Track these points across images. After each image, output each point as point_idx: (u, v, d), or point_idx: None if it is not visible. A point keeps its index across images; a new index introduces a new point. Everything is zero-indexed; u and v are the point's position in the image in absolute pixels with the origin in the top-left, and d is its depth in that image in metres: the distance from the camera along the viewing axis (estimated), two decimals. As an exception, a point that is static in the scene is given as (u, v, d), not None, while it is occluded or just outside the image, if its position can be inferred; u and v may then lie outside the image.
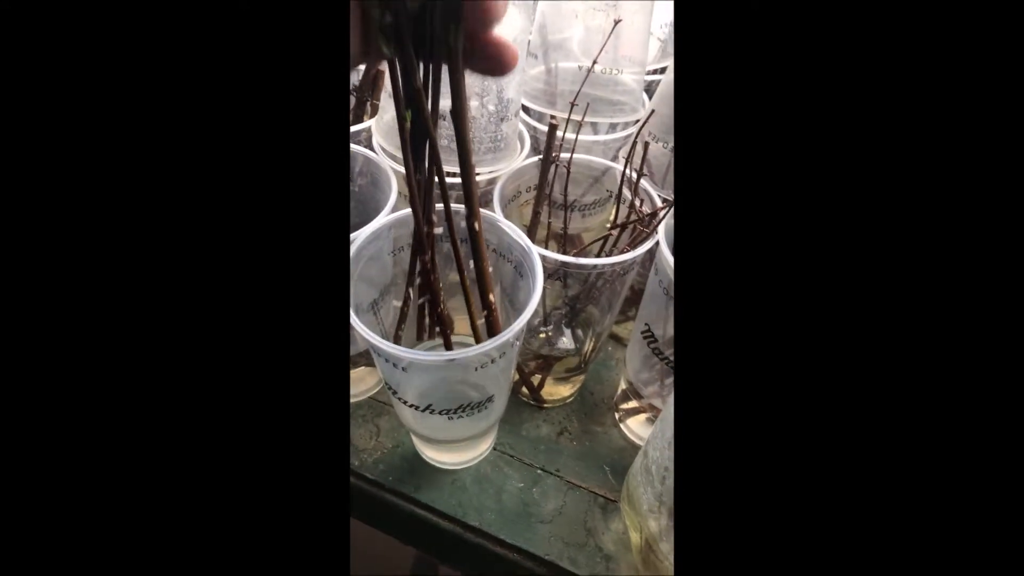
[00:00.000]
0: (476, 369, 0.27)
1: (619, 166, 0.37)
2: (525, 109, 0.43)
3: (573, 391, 0.43)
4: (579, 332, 0.40)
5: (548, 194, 0.37)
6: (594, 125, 0.45)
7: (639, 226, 0.33)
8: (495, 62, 0.22)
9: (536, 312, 0.39)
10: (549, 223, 0.39)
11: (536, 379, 0.41)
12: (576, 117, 0.36)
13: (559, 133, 0.36)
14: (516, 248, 0.31)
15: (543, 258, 0.30)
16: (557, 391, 0.43)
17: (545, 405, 0.43)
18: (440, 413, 0.31)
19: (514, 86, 0.35)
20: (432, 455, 0.39)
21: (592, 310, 0.39)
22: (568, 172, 0.36)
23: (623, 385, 0.42)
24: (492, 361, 0.27)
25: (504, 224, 0.31)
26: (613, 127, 0.44)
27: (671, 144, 0.38)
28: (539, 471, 0.40)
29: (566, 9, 0.40)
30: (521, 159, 0.37)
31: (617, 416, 0.42)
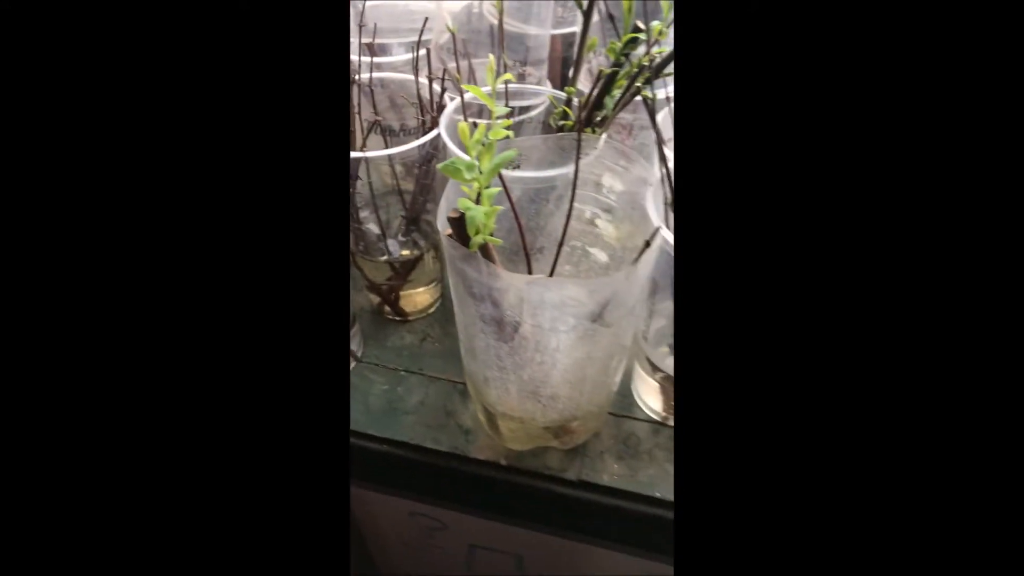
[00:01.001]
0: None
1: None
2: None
3: (434, 300, 0.47)
4: (419, 239, 0.43)
5: (358, 114, 0.40)
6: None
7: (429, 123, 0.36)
8: None
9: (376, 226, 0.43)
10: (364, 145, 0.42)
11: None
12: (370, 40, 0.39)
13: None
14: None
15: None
16: (417, 302, 0.46)
17: (409, 318, 0.46)
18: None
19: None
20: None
21: (427, 218, 0.42)
22: (371, 91, 0.40)
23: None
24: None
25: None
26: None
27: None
28: (403, 373, 0.43)
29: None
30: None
31: (473, 314, 0.46)
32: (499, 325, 0.27)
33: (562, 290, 0.25)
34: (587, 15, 0.33)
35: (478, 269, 0.25)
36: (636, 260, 0.25)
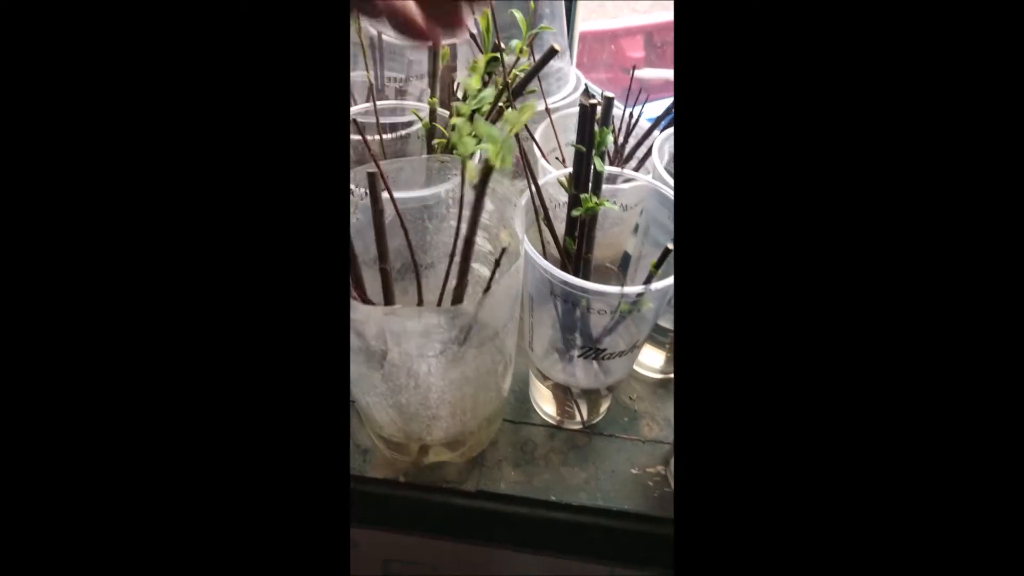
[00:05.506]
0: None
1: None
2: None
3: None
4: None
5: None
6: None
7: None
8: None
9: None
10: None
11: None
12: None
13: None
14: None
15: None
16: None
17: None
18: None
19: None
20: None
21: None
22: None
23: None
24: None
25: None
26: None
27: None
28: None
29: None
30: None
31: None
32: (367, 353, 0.27)
33: (421, 319, 0.25)
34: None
35: (337, 302, 0.25)
36: (487, 289, 0.26)
